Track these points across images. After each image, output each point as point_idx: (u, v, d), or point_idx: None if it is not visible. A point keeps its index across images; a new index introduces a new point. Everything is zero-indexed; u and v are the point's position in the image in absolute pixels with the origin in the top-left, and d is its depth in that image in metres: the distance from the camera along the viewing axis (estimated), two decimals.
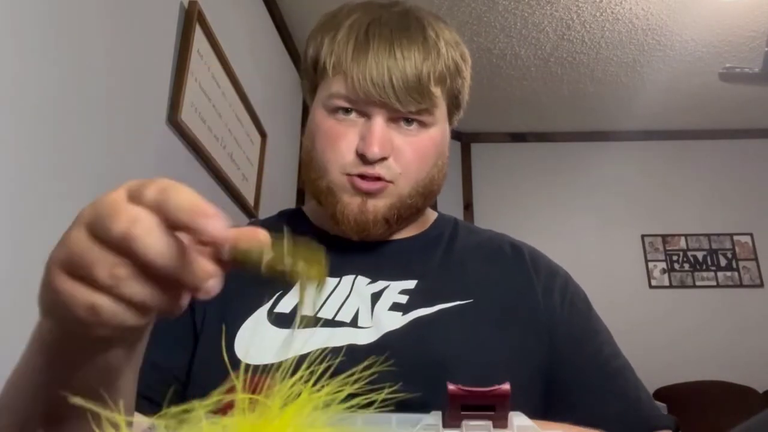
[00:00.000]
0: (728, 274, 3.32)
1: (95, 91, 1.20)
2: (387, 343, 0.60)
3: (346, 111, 0.65)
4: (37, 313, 0.36)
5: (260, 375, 0.29)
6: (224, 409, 0.28)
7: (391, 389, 0.31)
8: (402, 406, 0.34)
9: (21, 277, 0.90)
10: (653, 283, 3.33)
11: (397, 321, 0.62)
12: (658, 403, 0.67)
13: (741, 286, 3.29)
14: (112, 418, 0.26)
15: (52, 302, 0.33)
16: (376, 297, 0.64)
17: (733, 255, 3.35)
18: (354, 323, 0.62)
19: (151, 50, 1.45)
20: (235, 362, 0.31)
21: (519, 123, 3.56)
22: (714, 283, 3.31)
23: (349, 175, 0.65)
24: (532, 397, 0.62)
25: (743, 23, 2.58)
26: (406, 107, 0.63)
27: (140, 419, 0.50)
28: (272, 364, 0.30)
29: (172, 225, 0.30)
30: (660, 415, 0.63)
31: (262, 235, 0.32)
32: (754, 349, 3.09)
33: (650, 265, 3.36)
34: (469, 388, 0.30)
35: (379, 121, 0.64)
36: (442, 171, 0.70)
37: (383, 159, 0.64)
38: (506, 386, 0.30)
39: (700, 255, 3.37)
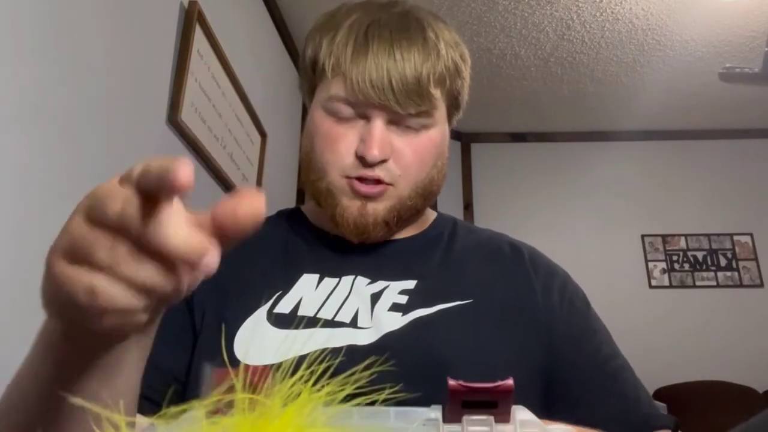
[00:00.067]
0: (728, 274, 3.32)
1: (95, 91, 1.20)
2: (387, 343, 0.59)
3: (346, 112, 0.65)
4: (37, 313, 0.36)
5: (260, 375, 0.29)
6: (223, 410, 0.28)
7: (391, 390, 0.31)
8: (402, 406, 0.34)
9: (21, 277, 0.90)
10: (653, 283, 3.33)
11: (397, 321, 0.62)
12: (658, 403, 0.67)
13: (741, 286, 3.29)
14: (113, 418, 0.26)
15: (53, 292, 0.33)
16: (375, 297, 0.64)
17: (733, 255, 3.35)
18: (354, 324, 0.62)
19: (151, 50, 1.45)
20: (235, 362, 0.31)
21: (519, 123, 3.55)
22: (714, 283, 3.31)
23: (348, 177, 0.64)
24: (532, 396, 0.62)
25: (743, 23, 2.58)
26: (406, 109, 0.63)
27: (140, 420, 0.50)
28: (272, 365, 0.30)
29: (155, 194, 0.30)
30: (659, 414, 0.63)
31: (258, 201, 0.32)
32: (754, 349, 3.09)
33: (650, 265, 3.35)
34: (471, 384, 0.29)
35: (378, 124, 0.63)
36: (441, 172, 0.70)
37: (383, 161, 0.64)
38: (510, 381, 0.29)
39: (700, 255, 3.37)
